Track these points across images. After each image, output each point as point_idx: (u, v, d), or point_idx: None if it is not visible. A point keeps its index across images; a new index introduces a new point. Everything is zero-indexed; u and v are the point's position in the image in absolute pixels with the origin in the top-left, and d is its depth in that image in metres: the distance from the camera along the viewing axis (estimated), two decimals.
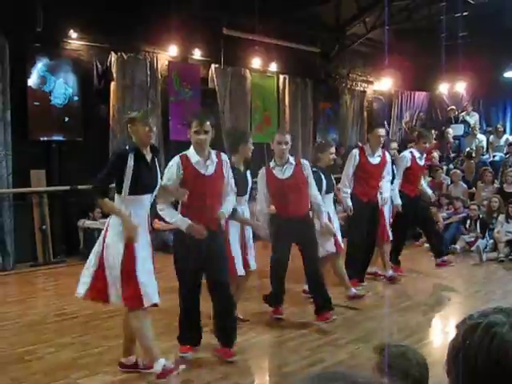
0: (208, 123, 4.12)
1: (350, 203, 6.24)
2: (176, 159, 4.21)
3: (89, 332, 5.00)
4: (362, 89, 13.77)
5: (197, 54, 9.90)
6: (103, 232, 3.92)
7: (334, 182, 6.16)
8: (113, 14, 8.44)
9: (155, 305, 3.92)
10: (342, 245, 5.97)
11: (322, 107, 12.57)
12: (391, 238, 6.92)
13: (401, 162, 7.06)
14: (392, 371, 1.99)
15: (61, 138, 8.34)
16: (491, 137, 12.70)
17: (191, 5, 9.04)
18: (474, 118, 13.12)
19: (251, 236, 5.19)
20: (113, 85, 8.81)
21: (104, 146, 8.80)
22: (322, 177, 5.63)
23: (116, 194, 3.88)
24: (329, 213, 5.69)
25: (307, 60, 11.91)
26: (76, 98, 8.43)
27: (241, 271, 4.86)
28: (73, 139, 8.42)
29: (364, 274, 6.67)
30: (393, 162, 6.92)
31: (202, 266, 4.21)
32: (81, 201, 8.44)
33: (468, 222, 9.12)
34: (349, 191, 6.31)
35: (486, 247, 8.60)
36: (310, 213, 5.34)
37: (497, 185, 10.07)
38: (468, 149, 12.33)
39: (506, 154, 11.68)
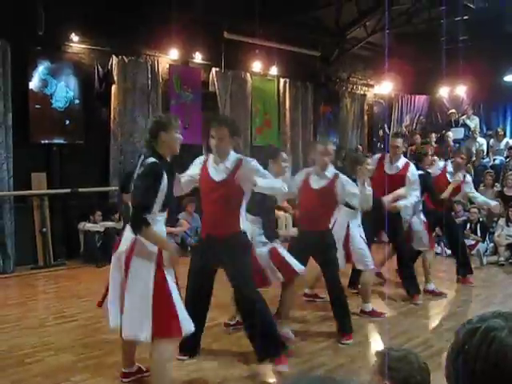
0: (221, 129, 4.02)
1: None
2: (202, 158, 4.25)
3: (89, 335, 5.00)
4: (362, 92, 13.79)
5: (198, 57, 9.93)
6: (124, 256, 3.47)
7: None
8: (114, 18, 8.46)
9: None
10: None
11: (323, 111, 12.59)
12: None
13: None
14: (393, 375, 1.99)
15: (62, 141, 8.35)
16: (491, 140, 12.70)
17: (192, 9, 9.05)
18: (474, 122, 13.13)
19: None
20: (114, 88, 8.83)
21: (105, 150, 8.83)
22: None
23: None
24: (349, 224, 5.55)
25: (308, 64, 11.93)
26: (77, 101, 8.44)
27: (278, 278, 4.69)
28: (74, 142, 8.43)
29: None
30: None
31: (209, 275, 4.17)
32: (81, 204, 8.46)
33: (468, 225, 9.12)
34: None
35: (486, 251, 8.63)
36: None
37: (497, 188, 10.08)
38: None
39: (506, 158, 11.68)
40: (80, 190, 8.28)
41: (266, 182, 4.05)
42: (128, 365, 3.93)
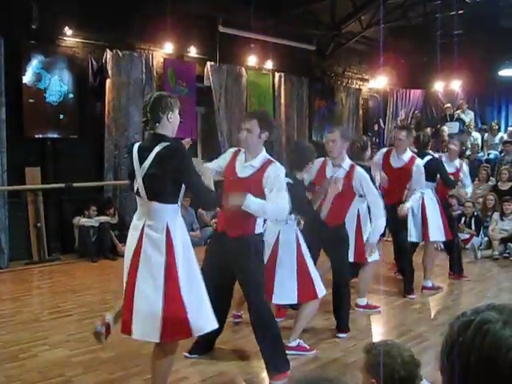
0: (250, 121, 3.85)
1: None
2: (233, 149, 4.13)
3: (84, 330, 4.97)
4: (357, 87, 13.78)
5: (192, 51, 9.89)
6: (133, 250, 3.22)
7: None
8: (108, 11, 8.42)
9: None
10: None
11: (318, 105, 12.58)
12: None
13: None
14: (378, 371, 2.00)
15: (56, 136, 8.31)
16: (486, 135, 12.74)
17: (187, 2, 9.02)
18: (469, 116, 13.16)
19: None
20: (108, 82, 8.79)
21: (99, 144, 8.80)
22: None
23: (168, 205, 3.17)
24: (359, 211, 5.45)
25: (303, 58, 11.91)
26: (71, 96, 8.40)
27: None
28: (68, 137, 8.40)
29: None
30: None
31: (225, 270, 4.01)
32: (76, 198, 8.43)
33: (463, 219, 9.15)
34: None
35: (480, 245, 8.65)
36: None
37: (492, 182, 10.10)
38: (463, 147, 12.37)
39: (500, 152, 11.71)
40: (74, 184, 8.25)
41: (273, 208, 3.71)
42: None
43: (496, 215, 8.77)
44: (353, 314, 5.42)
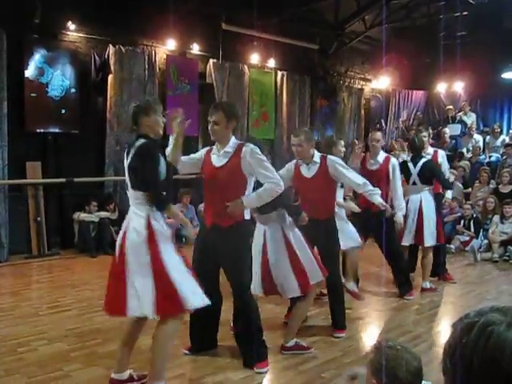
0: (216, 114, 3.98)
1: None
2: (205, 148, 4.30)
3: (83, 324, 5.00)
4: (359, 86, 13.77)
5: (195, 48, 9.88)
6: (121, 237, 3.56)
7: None
8: (111, 7, 8.41)
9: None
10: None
11: (320, 104, 12.57)
12: None
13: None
14: (381, 373, 2.00)
15: (57, 130, 8.31)
16: (488, 137, 12.73)
17: None
18: (471, 118, 13.15)
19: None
20: (110, 77, 8.79)
21: (101, 139, 8.80)
22: None
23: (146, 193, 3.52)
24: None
25: (306, 57, 11.90)
26: (73, 90, 8.40)
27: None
28: (69, 131, 8.39)
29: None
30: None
31: (210, 265, 4.05)
32: (76, 193, 8.43)
33: (462, 221, 9.14)
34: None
35: (480, 247, 8.64)
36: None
37: (493, 185, 10.10)
38: (464, 149, 12.38)
39: (502, 155, 11.70)
40: (75, 179, 8.25)
41: (267, 190, 3.89)
42: (120, 370, 3.68)
43: (496, 218, 8.77)
44: (350, 314, 5.43)
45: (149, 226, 3.45)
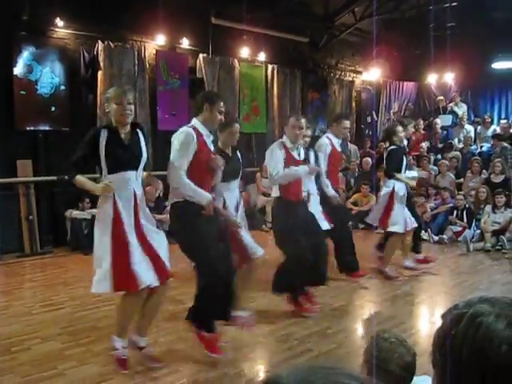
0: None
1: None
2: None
3: (76, 322, 4.98)
4: (350, 79, 13.77)
5: (185, 43, 9.84)
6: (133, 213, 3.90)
7: None
8: (100, 3, 8.36)
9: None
10: None
11: (311, 97, 12.57)
12: None
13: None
14: (372, 364, 2.01)
15: (47, 128, 8.27)
16: (479, 127, 12.74)
17: None
18: (462, 109, 13.16)
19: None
20: (100, 74, 8.74)
21: None
22: None
23: (101, 177, 3.94)
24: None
25: (296, 50, 11.89)
26: (63, 88, 8.35)
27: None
28: (59, 129, 8.35)
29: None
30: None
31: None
32: (68, 191, 8.38)
33: (455, 212, 9.17)
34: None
35: (472, 237, 8.67)
36: None
37: (485, 175, 10.12)
38: (455, 140, 12.40)
39: (492, 146, 11.72)
40: (66, 177, 8.19)
41: None
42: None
43: (488, 208, 8.79)
44: (346, 307, 5.45)
45: (115, 207, 3.85)
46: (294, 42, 11.67)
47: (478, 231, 8.76)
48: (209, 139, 4.25)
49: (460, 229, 8.94)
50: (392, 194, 6.52)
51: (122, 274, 3.72)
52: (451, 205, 9.30)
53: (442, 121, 12.88)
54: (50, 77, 8.18)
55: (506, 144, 10.92)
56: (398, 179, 6.54)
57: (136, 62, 9.12)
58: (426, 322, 5.19)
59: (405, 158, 6.77)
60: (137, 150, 3.87)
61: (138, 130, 3.93)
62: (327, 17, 11.73)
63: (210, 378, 3.83)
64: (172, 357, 4.13)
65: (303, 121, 5.18)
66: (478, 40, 11.44)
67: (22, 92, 7.90)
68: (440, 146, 12.52)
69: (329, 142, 6.35)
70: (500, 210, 8.64)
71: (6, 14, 7.58)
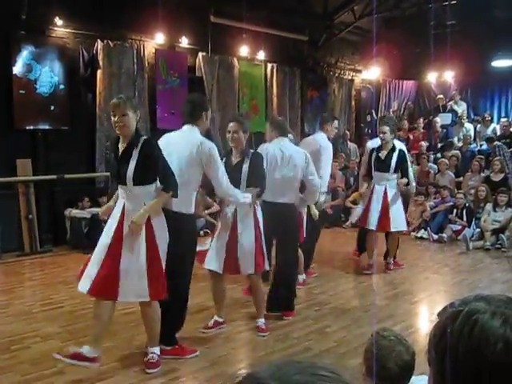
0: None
1: None
2: None
3: (76, 321, 4.99)
4: (350, 77, 13.76)
5: (184, 41, 9.83)
6: (118, 222, 3.81)
7: None
8: (99, 2, 8.35)
9: None
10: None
11: (310, 96, 12.56)
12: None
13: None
14: (370, 362, 2.02)
15: (47, 127, 8.26)
16: (478, 126, 12.74)
17: None
18: (461, 107, 13.16)
19: None
20: (99, 73, 8.73)
21: (90, 135, 8.75)
22: None
23: None
24: None
25: (295, 48, 11.88)
26: (62, 87, 8.34)
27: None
28: (59, 128, 8.34)
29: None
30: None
31: None
32: (67, 190, 8.39)
33: (454, 210, 9.17)
34: None
35: (472, 236, 8.67)
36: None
37: (484, 174, 10.12)
38: (455, 138, 12.40)
39: (488, 146, 11.69)
40: (66, 176, 8.21)
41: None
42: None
43: (489, 206, 8.78)
44: (345, 305, 5.46)
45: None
46: (294, 41, 11.67)
47: (478, 230, 8.76)
48: None
49: (459, 227, 8.94)
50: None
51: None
52: (451, 203, 9.30)
53: (441, 119, 12.87)
54: (49, 76, 8.18)
55: (499, 143, 10.92)
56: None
57: (135, 60, 9.11)
58: (426, 320, 5.19)
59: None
60: (124, 166, 3.73)
61: (138, 146, 3.73)
62: (326, 15, 11.72)
63: (209, 376, 3.84)
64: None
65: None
66: (478, 38, 11.43)
67: (21, 91, 7.89)
68: (440, 144, 12.51)
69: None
70: (501, 208, 8.64)
71: (5, 13, 7.57)
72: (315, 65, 12.63)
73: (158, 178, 3.77)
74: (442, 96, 13.59)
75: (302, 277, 6.18)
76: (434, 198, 9.77)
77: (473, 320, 0.96)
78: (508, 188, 9.10)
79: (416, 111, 14.68)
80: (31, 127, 8.11)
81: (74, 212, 8.27)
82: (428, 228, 9.12)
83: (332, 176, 10.50)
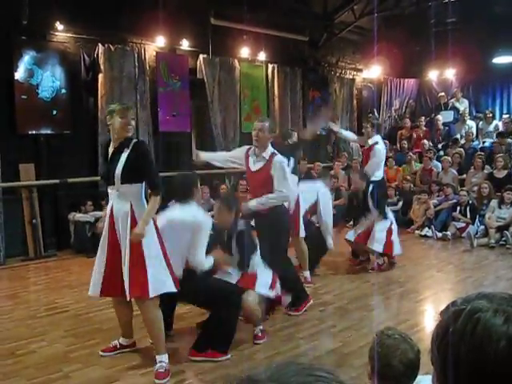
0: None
1: None
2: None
3: (81, 325, 4.99)
4: (351, 77, 13.75)
5: (185, 44, 9.84)
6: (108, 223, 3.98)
7: None
8: (99, 5, 8.35)
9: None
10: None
11: (312, 96, 12.55)
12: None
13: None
14: (379, 360, 2.02)
15: (49, 131, 8.28)
16: (480, 123, 12.72)
17: None
18: (463, 105, 13.14)
19: None
20: (101, 77, 8.74)
21: (93, 139, 8.75)
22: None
23: None
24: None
25: (296, 49, 11.88)
26: (64, 91, 8.36)
27: None
28: (61, 132, 8.36)
29: None
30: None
31: None
32: (71, 194, 8.41)
33: (458, 208, 9.14)
34: None
35: (476, 233, 8.65)
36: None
37: (487, 171, 10.09)
38: (458, 135, 12.38)
39: (493, 143, 11.69)
40: (69, 180, 8.23)
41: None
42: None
43: (494, 202, 8.73)
44: (349, 305, 5.45)
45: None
46: (294, 41, 11.66)
47: (482, 227, 8.73)
48: None
49: (463, 225, 8.91)
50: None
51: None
52: (454, 201, 9.27)
53: (443, 117, 12.86)
54: (50, 81, 8.20)
55: (511, 140, 10.90)
56: None
57: (136, 64, 9.12)
58: (431, 319, 5.18)
59: None
60: (113, 166, 3.90)
61: (129, 147, 3.89)
62: (326, 15, 11.72)
63: (214, 378, 3.83)
64: (176, 358, 4.13)
65: None
66: (479, 35, 11.42)
67: (23, 96, 7.91)
68: (442, 142, 12.49)
69: None
70: (506, 205, 8.60)
71: (6, 18, 7.59)
72: (316, 65, 12.63)
73: (145, 180, 3.95)
74: (443, 94, 13.58)
75: (306, 273, 6.23)
76: (438, 196, 9.75)
77: (475, 318, 0.96)
78: None
79: (418, 109, 14.68)
80: (33, 132, 8.13)
81: (78, 216, 8.28)
82: (432, 226, 9.10)
83: (335, 175, 10.60)
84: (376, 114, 13.64)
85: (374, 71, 13.66)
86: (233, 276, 4.52)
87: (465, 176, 10.39)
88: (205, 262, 4.15)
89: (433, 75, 14.10)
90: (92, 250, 8.08)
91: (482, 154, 10.73)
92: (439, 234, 8.95)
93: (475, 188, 9.54)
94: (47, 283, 6.77)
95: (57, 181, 8.18)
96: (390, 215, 6.96)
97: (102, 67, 8.70)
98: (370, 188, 6.69)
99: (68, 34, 8.42)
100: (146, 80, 9.27)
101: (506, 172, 9.62)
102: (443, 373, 0.97)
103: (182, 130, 9.52)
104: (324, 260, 6.92)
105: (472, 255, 7.93)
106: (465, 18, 11.55)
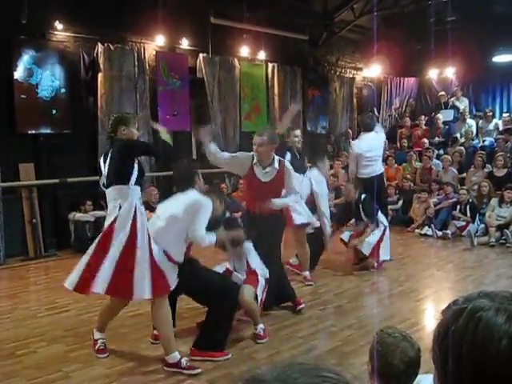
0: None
1: None
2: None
3: (81, 325, 4.99)
4: (351, 76, 13.75)
5: (184, 43, 9.83)
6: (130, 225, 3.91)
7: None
8: (98, 4, 8.34)
9: None
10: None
11: (311, 95, 12.55)
12: None
13: None
14: (379, 359, 2.01)
15: (49, 131, 8.27)
16: (480, 121, 12.70)
17: None
18: (463, 103, 13.12)
19: None
20: (100, 76, 8.74)
21: (93, 138, 8.75)
22: None
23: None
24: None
25: (296, 48, 11.87)
26: (63, 90, 8.35)
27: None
28: (61, 132, 8.35)
29: None
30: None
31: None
32: (71, 193, 8.40)
33: (458, 206, 9.13)
34: None
35: (476, 232, 8.64)
36: None
37: (487, 169, 10.08)
38: (458, 134, 12.37)
39: (495, 140, 11.68)
40: (69, 179, 8.22)
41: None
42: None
43: (494, 201, 8.73)
44: (350, 304, 5.44)
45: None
46: (294, 40, 11.66)
47: (482, 226, 8.72)
48: None
49: (464, 223, 8.90)
50: None
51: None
52: (454, 200, 9.26)
53: (443, 116, 12.85)
54: (50, 80, 8.19)
55: None
56: None
57: (136, 63, 9.11)
58: (431, 317, 5.18)
59: None
60: (104, 169, 4.10)
61: (113, 149, 4.09)
62: (326, 14, 11.71)
63: (214, 378, 3.83)
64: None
65: None
66: (479, 34, 11.40)
67: (22, 96, 7.90)
68: (442, 139, 12.48)
69: None
70: (506, 204, 8.58)
71: (5, 17, 7.58)
72: (316, 64, 12.62)
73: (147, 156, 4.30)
74: (443, 93, 13.56)
75: (305, 273, 6.23)
76: (438, 195, 9.74)
77: (477, 317, 0.95)
78: None
79: (418, 108, 14.66)
80: (33, 131, 8.12)
81: (78, 215, 8.27)
82: (432, 225, 9.09)
83: (335, 174, 10.58)
84: (376, 112, 13.63)
85: (373, 70, 13.66)
86: (238, 277, 4.55)
87: (465, 175, 10.37)
88: (205, 237, 4.07)
89: (433, 74, 14.09)
90: None
91: (483, 152, 10.72)
92: (439, 233, 8.94)
93: (475, 187, 9.53)
94: (47, 283, 6.76)
95: (56, 180, 8.17)
96: (384, 221, 6.90)
97: (101, 66, 8.69)
98: (363, 197, 6.68)
99: (67, 34, 8.42)
100: (145, 79, 9.26)
101: (505, 171, 9.62)
102: (444, 372, 0.97)
103: (181, 129, 9.52)
104: (324, 259, 6.91)
105: (472, 254, 7.93)
106: (465, 17, 11.53)
